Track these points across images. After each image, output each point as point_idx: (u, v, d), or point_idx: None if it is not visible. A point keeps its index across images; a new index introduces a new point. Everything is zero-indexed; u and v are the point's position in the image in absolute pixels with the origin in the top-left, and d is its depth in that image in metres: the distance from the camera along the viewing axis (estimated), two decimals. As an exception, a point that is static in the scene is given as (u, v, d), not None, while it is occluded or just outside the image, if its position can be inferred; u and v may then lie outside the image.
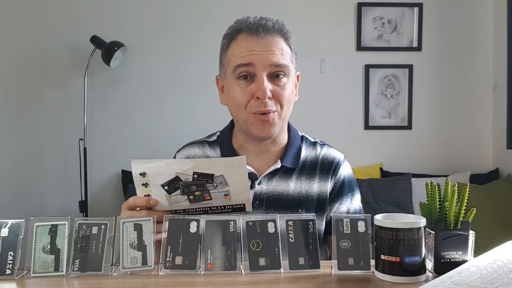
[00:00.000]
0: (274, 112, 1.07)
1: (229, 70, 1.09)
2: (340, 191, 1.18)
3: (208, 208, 0.97)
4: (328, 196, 1.16)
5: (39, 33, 3.05)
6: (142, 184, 0.93)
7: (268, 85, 1.05)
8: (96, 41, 2.88)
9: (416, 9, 3.21)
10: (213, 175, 0.91)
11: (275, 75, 1.07)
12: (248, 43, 1.06)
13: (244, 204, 0.97)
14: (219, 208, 0.97)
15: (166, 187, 0.93)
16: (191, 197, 0.94)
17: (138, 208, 0.95)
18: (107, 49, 2.84)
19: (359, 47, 3.21)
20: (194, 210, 0.97)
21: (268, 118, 1.07)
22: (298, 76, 1.17)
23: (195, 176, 0.91)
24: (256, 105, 1.06)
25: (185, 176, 0.91)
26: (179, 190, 0.93)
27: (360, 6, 3.19)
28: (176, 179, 0.91)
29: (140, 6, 3.11)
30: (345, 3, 3.20)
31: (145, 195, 0.94)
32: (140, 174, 0.92)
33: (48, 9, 3.06)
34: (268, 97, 1.05)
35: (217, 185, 0.92)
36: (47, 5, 3.06)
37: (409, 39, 3.22)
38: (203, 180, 0.92)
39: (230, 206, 0.97)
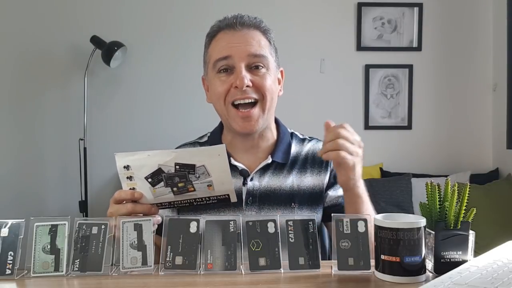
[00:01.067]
0: (255, 104, 1.09)
1: (210, 66, 1.12)
2: (336, 178, 1.19)
3: (193, 200, 0.97)
4: (324, 187, 1.18)
5: (39, 33, 3.05)
6: (127, 178, 0.93)
7: (246, 75, 1.07)
8: (96, 41, 2.88)
9: (416, 9, 3.21)
10: (194, 165, 0.91)
11: (255, 66, 1.09)
12: (226, 36, 1.09)
13: (228, 195, 0.97)
14: (204, 199, 0.97)
15: (149, 180, 0.93)
16: (174, 189, 0.94)
17: (124, 202, 0.95)
18: (107, 49, 2.84)
19: (359, 47, 3.21)
20: (179, 202, 0.97)
21: (250, 114, 1.08)
22: (282, 72, 1.19)
23: (177, 167, 0.91)
24: (235, 93, 1.08)
25: (167, 167, 0.91)
26: (162, 182, 0.93)
27: (360, 6, 3.19)
28: (159, 171, 0.91)
29: (140, 6, 3.11)
30: (345, 3, 3.20)
31: (130, 188, 0.95)
32: (124, 167, 0.92)
33: (48, 9, 3.06)
34: (248, 86, 1.06)
35: (200, 175, 0.92)
36: (47, 5, 3.06)
37: (409, 39, 3.22)
38: (185, 171, 0.91)
39: (215, 197, 0.97)
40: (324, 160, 1.18)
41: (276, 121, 1.23)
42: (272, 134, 1.19)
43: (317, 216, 1.17)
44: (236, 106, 1.09)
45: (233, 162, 1.14)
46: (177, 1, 3.13)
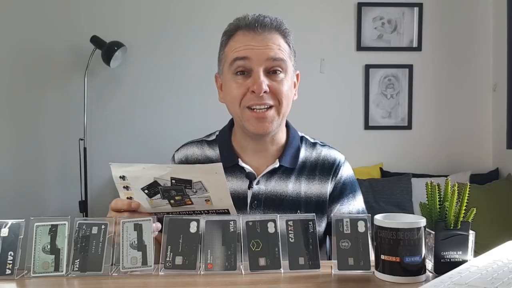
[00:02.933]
0: (271, 107, 1.07)
1: (226, 65, 1.09)
2: (341, 192, 1.17)
3: (192, 212, 0.96)
4: (328, 198, 1.15)
5: (39, 33, 3.05)
6: (124, 187, 0.93)
7: (264, 80, 1.05)
8: (96, 41, 2.88)
9: (416, 9, 3.21)
10: (191, 180, 0.90)
11: (272, 71, 1.07)
12: (246, 39, 1.06)
13: (228, 209, 0.96)
14: (202, 212, 0.96)
15: (146, 191, 0.92)
16: (172, 201, 0.93)
17: (122, 210, 0.95)
18: (107, 49, 2.84)
19: (359, 47, 3.21)
20: (177, 213, 0.96)
21: (265, 115, 1.06)
22: (297, 75, 1.16)
23: (173, 181, 0.90)
24: (251, 98, 1.06)
25: (163, 181, 0.90)
26: (159, 194, 0.92)
27: (360, 6, 3.19)
28: (155, 183, 0.91)
29: (140, 6, 3.11)
30: (345, 3, 3.20)
31: (127, 198, 0.94)
32: (120, 177, 0.91)
33: (48, 9, 3.06)
34: (265, 92, 1.04)
35: (197, 190, 0.91)
36: (47, 5, 3.05)
37: (409, 39, 3.22)
38: (182, 186, 0.90)
39: (214, 211, 0.96)
40: (333, 168, 1.17)
41: (287, 124, 1.20)
42: (282, 137, 1.17)
43: (321, 225, 1.14)
44: (251, 108, 1.07)
45: (241, 163, 1.13)
46: (177, 1, 3.13)
